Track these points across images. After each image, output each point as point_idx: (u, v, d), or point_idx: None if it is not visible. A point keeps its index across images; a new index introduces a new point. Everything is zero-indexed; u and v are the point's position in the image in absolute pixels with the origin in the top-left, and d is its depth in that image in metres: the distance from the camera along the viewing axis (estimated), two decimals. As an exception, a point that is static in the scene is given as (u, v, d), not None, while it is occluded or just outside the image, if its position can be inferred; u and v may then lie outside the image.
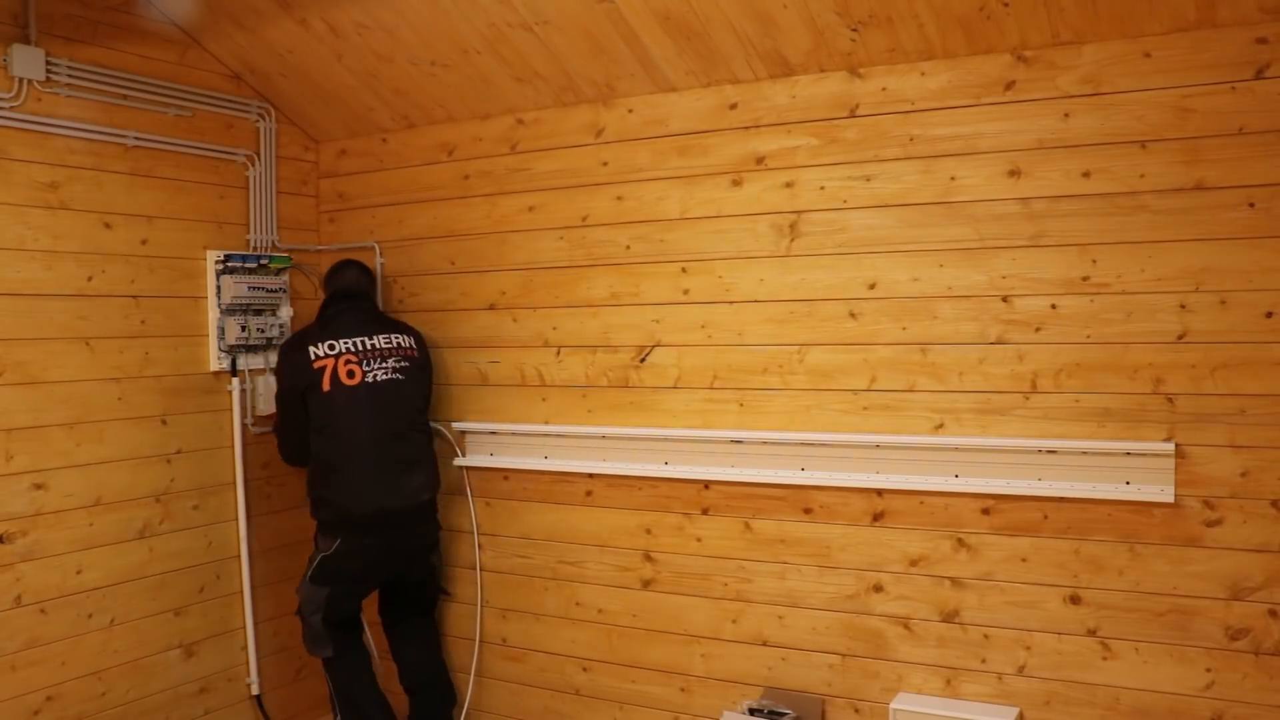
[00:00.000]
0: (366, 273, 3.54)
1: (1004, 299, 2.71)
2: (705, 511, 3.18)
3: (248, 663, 3.61)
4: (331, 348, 3.32)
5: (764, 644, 3.11)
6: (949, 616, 2.83)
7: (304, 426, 3.33)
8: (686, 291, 3.17)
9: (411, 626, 3.56)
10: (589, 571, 3.40)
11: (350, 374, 3.30)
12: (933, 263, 2.80)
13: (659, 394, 3.23)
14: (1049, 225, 2.65)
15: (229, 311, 3.53)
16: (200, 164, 3.48)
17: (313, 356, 3.30)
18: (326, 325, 3.39)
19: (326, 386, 3.28)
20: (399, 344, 3.41)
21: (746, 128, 3.04)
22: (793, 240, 2.99)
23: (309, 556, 3.38)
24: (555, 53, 3.10)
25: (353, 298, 3.46)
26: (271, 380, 3.65)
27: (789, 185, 2.98)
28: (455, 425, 3.60)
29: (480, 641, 3.62)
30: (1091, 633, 2.65)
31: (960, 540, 2.80)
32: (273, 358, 3.68)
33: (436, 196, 3.64)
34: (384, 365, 3.35)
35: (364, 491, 3.23)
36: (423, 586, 3.56)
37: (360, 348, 3.34)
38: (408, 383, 3.38)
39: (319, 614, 3.31)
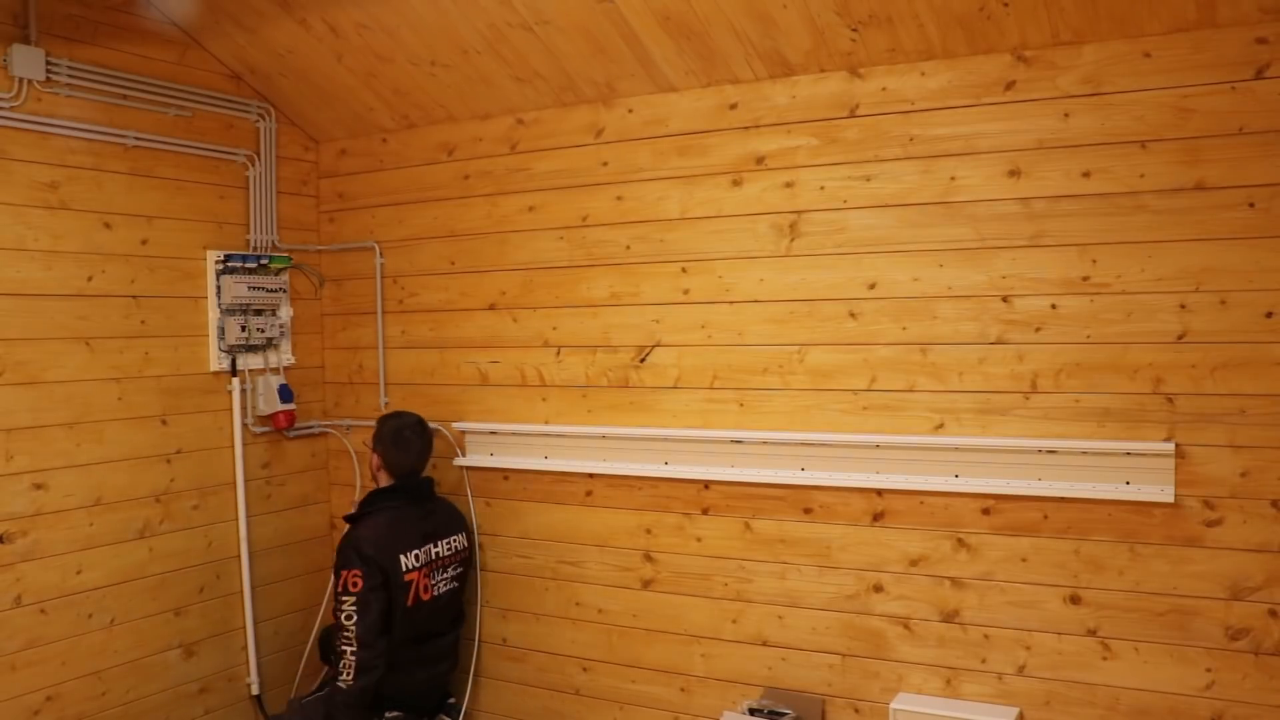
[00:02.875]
0: (429, 436, 3.43)
1: (1004, 299, 2.71)
2: (705, 511, 3.18)
3: (248, 663, 3.61)
4: (418, 559, 3.23)
5: (764, 644, 3.11)
6: (949, 616, 2.83)
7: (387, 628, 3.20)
8: (686, 291, 3.17)
9: None
10: (589, 571, 3.40)
11: (426, 589, 3.25)
12: (933, 263, 2.79)
13: (659, 394, 3.23)
14: (1049, 225, 2.65)
15: (229, 311, 3.53)
16: (200, 164, 3.48)
17: (404, 567, 3.19)
18: (406, 522, 3.26)
19: (411, 603, 3.20)
20: (457, 548, 3.39)
21: (746, 128, 3.04)
22: (793, 240, 2.99)
23: (321, 685, 3.45)
24: (555, 53, 3.10)
25: (422, 486, 3.39)
26: (272, 379, 3.65)
27: (789, 185, 2.98)
28: (455, 425, 3.60)
29: (480, 641, 3.62)
30: (1091, 633, 2.65)
31: (960, 540, 2.80)
32: (273, 358, 3.68)
33: (436, 196, 3.64)
34: (445, 575, 3.34)
35: (411, 686, 3.28)
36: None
37: (431, 558, 3.29)
38: (460, 588, 3.42)
39: None
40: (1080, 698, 2.68)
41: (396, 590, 3.17)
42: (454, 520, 3.45)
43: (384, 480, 3.38)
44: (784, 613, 3.07)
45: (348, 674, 3.09)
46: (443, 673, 3.43)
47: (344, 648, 3.11)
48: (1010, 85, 2.67)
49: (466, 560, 3.45)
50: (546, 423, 3.44)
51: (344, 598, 3.13)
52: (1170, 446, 2.52)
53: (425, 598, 3.25)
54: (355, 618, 3.10)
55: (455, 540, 3.40)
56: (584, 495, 3.39)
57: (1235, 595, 2.49)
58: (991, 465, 2.73)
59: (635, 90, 3.18)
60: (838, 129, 2.90)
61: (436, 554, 3.31)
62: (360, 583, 3.11)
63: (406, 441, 3.35)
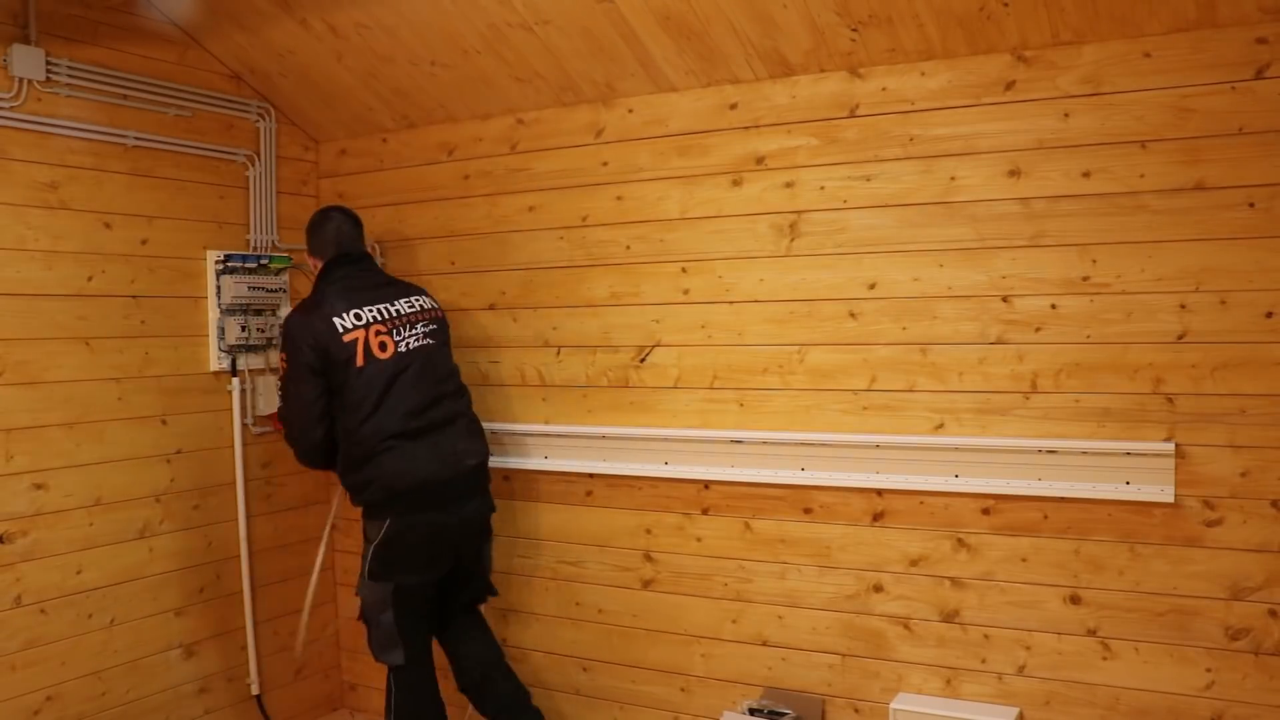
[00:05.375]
0: (354, 220, 3.29)
1: (1004, 299, 2.71)
2: (705, 511, 3.18)
3: (248, 663, 3.61)
4: (358, 318, 3.04)
5: (764, 644, 3.11)
6: (949, 616, 2.83)
7: (327, 410, 3.06)
8: (686, 291, 3.17)
9: (461, 625, 3.26)
10: (589, 571, 3.40)
11: (383, 346, 3.03)
12: (933, 263, 2.79)
13: (659, 394, 3.23)
14: (1049, 225, 2.65)
15: (229, 311, 3.53)
16: (200, 164, 3.48)
17: (340, 329, 3.01)
18: (341, 294, 3.09)
19: (360, 362, 2.99)
20: (421, 306, 3.19)
21: (746, 128, 3.04)
22: (793, 240, 2.99)
23: (361, 555, 3.10)
24: (555, 53, 3.10)
25: (356, 260, 3.21)
26: (272, 378, 3.65)
27: (789, 185, 2.98)
28: (455, 425, 3.60)
29: (480, 641, 3.62)
30: (1091, 633, 2.65)
31: (960, 540, 2.80)
32: (273, 357, 3.68)
33: (436, 196, 3.64)
34: (414, 332, 3.11)
35: (408, 465, 2.97)
36: (473, 582, 3.26)
37: (387, 315, 3.09)
38: (437, 347, 3.16)
39: (388, 611, 3.02)
40: (1080, 698, 2.67)
41: (336, 356, 2.99)
42: (412, 287, 3.28)
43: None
44: (784, 613, 3.07)
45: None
46: (467, 467, 3.08)
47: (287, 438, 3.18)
48: (1010, 85, 2.67)
49: (443, 323, 3.23)
50: (546, 423, 3.44)
51: (277, 385, 3.17)
52: (1170, 446, 2.52)
53: (383, 355, 3.03)
54: (282, 401, 3.14)
55: (418, 299, 3.21)
56: (584, 495, 3.39)
57: (1235, 595, 2.49)
58: (991, 465, 2.73)
59: (635, 90, 3.18)
60: (838, 129, 2.90)
61: (394, 311, 3.11)
62: (284, 365, 3.07)
63: (323, 218, 3.25)
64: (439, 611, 3.22)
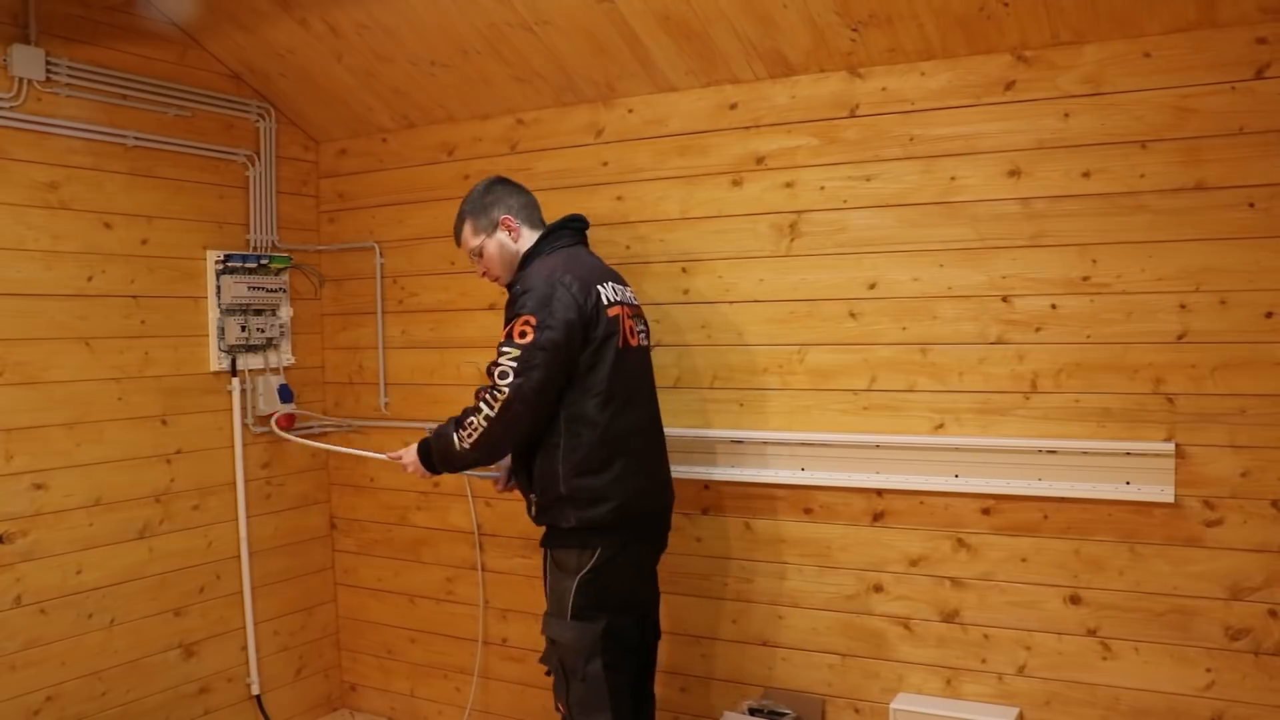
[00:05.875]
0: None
1: (1004, 299, 2.71)
2: (705, 511, 3.18)
3: (248, 663, 3.61)
4: (616, 293, 2.55)
5: (764, 644, 3.11)
6: (949, 616, 2.83)
7: (556, 395, 2.46)
8: (686, 291, 3.17)
9: (644, 694, 2.74)
10: (589, 571, 3.40)
11: (632, 332, 2.56)
12: (933, 263, 2.79)
13: (659, 394, 3.22)
14: (1049, 225, 2.65)
15: (229, 311, 3.53)
16: (200, 164, 3.48)
17: (605, 300, 2.49)
18: (577, 265, 2.54)
19: (621, 344, 2.49)
20: (635, 301, 2.72)
21: (746, 128, 3.04)
22: (793, 240, 2.99)
23: (556, 591, 2.55)
24: (555, 53, 3.10)
25: (579, 234, 2.72)
26: (272, 379, 3.65)
27: (789, 185, 2.98)
28: (455, 425, 3.60)
29: (481, 642, 3.62)
30: (1091, 633, 2.65)
31: (960, 540, 2.80)
32: (273, 358, 3.68)
33: (436, 196, 3.64)
34: (641, 328, 2.65)
35: (647, 482, 2.56)
36: (654, 623, 2.81)
37: (627, 299, 2.60)
38: (649, 349, 2.75)
39: (597, 660, 2.48)
40: (1080, 698, 2.67)
41: (599, 332, 2.45)
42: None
43: (528, 240, 2.69)
44: (784, 613, 3.07)
45: (468, 436, 2.44)
46: (672, 496, 2.70)
47: (480, 405, 2.41)
48: (1010, 85, 2.67)
49: (645, 320, 2.76)
50: (546, 423, 3.44)
51: (504, 350, 2.40)
52: (1170, 446, 2.52)
53: (634, 343, 2.55)
54: (510, 376, 2.37)
55: (631, 291, 2.71)
56: (584, 495, 3.38)
57: (1235, 595, 2.49)
58: (991, 465, 2.73)
59: (635, 90, 3.18)
60: (838, 129, 2.90)
61: (630, 298, 2.65)
62: (531, 332, 2.38)
63: (503, 184, 2.74)
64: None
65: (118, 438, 3.22)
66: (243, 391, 3.59)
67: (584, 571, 2.49)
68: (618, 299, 2.56)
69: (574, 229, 2.73)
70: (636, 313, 2.68)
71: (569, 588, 2.49)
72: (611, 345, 2.48)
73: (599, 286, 2.52)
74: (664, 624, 3.25)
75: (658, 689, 3.28)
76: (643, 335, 2.68)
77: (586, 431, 2.46)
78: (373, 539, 3.86)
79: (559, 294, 2.43)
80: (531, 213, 2.74)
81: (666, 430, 3.16)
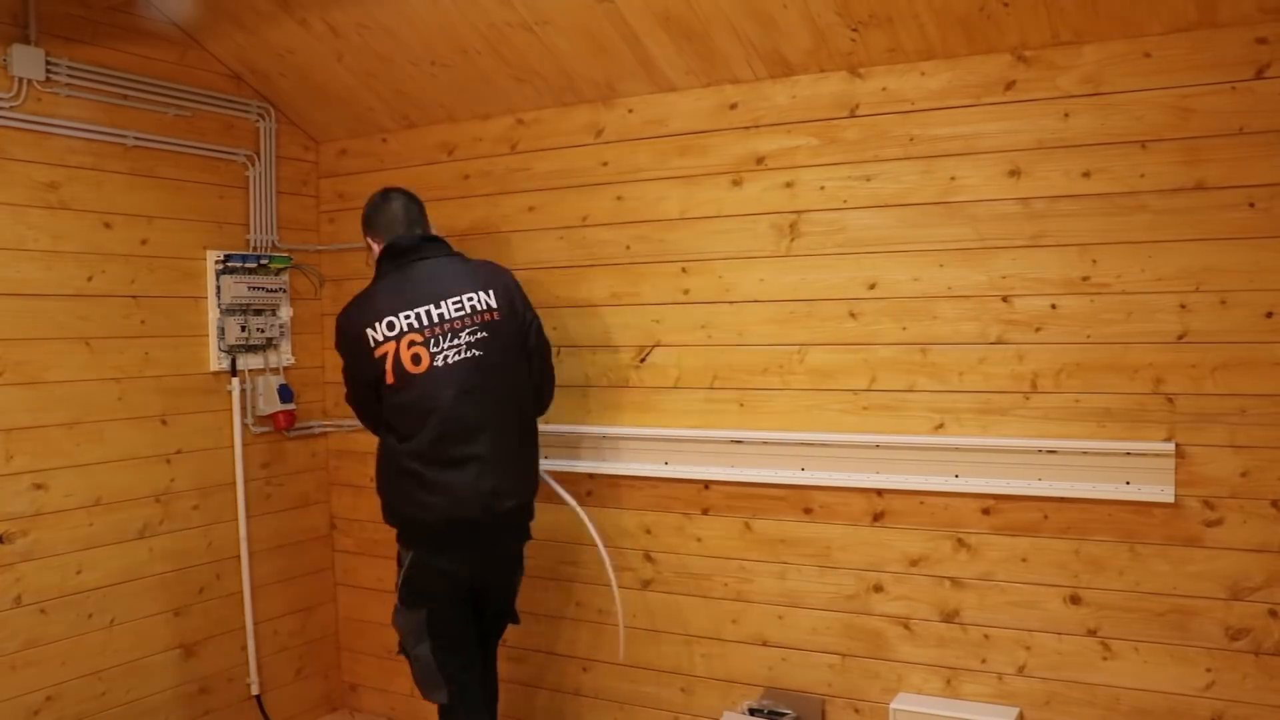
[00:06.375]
0: (416, 202, 2.96)
1: (1004, 299, 2.71)
2: (705, 511, 3.18)
3: (248, 663, 3.61)
4: (391, 327, 2.71)
5: (764, 644, 3.11)
6: (949, 616, 2.83)
7: (377, 409, 2.82)
8: (686, 291, 3.17)
9: (487, 675, 3.01)
10: (589, 571, 3.40)
11: (416, 359, 2.69)
12: (933, 263, 2.79)
13: (659, 394, 3.23)
14: (1049, 225, 2.65)
15: (229, 311, 3.53)
16: (200, 164, 3.48)
17: (372, 343, 2.72)
18: (386, 293, 2.78)
19: (391, 379, 2.70)
20: (473, 307, 2.76)
21: (746, 128, 3.04)
22: (793, 240, 2.99)
23: (398, 581, 2.87)
24: (555, 53, 3.10)
25: (405, 251, 2.83)
26: (272, 379, 3.65)
27: (789, 185, 2.98)
28: (455, 425, 3.60)
29: (480, 641, 3.62)
30: (1091, 633, 2.65)
31: (960, 540, 2.80)
32: (273, 358, 3.68)
33: (436, 196, 3.63)
34: (455, 343, 2.72)
35: (435, 499, 2.70)
36: (501, 613, 3.04)
37: (425, 322, 2.71)
38: (488, 357, 2.75)
39: (424, 644, 2.77)
40: (1080, 698, 2.67)
41: (367, 374, 2.76)
42: (471, 276, 2.83)
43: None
44: (784, 613, 3.07)
45: None
46: (504, 509, 2.73)
47: None
48: (1010, 85, 2.67)
49: (502, 326, 2.80)
50: (547, 423, 3.44)
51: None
52: (1170, 446, 2.52)
53: (416, 369, 2.69)
54: (346, 393, 2.95)
55: (470, 299, 2.76)
56: (584, 495, 3.39)
57: (1235, 595, 2.49)
58: (991, 465, 2.73)
59: (635, 90, 3.18)
60: (838, 129, 2.90)
61: (436, 316, 2.73)
62: (342, 363, 2.88)
63: (381, 202, 2.94)
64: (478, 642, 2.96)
65: (118, 438, 3.22)
66: (243, 391, 3.59)
67: (406, 569, 2.79)
68: (402, 328, 2.72)
69: (394, 256, 2.86)
70: (436, 330, 2.74)
71: (399, 580, 2.82)
72: (384, 382, 2.73)
73: (369, 329, 2.75)
74: (663, 624, 3.26)
75: (658, 688, 3.28)
76: (450, 354, 2.73)
77: (389, 449, 2.77)
78: (373, 539, 3.86)
79: (342, 339, 2.86)
80: (378, 235, 2.94)
81: (669, 430, 3.16)
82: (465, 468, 2.70)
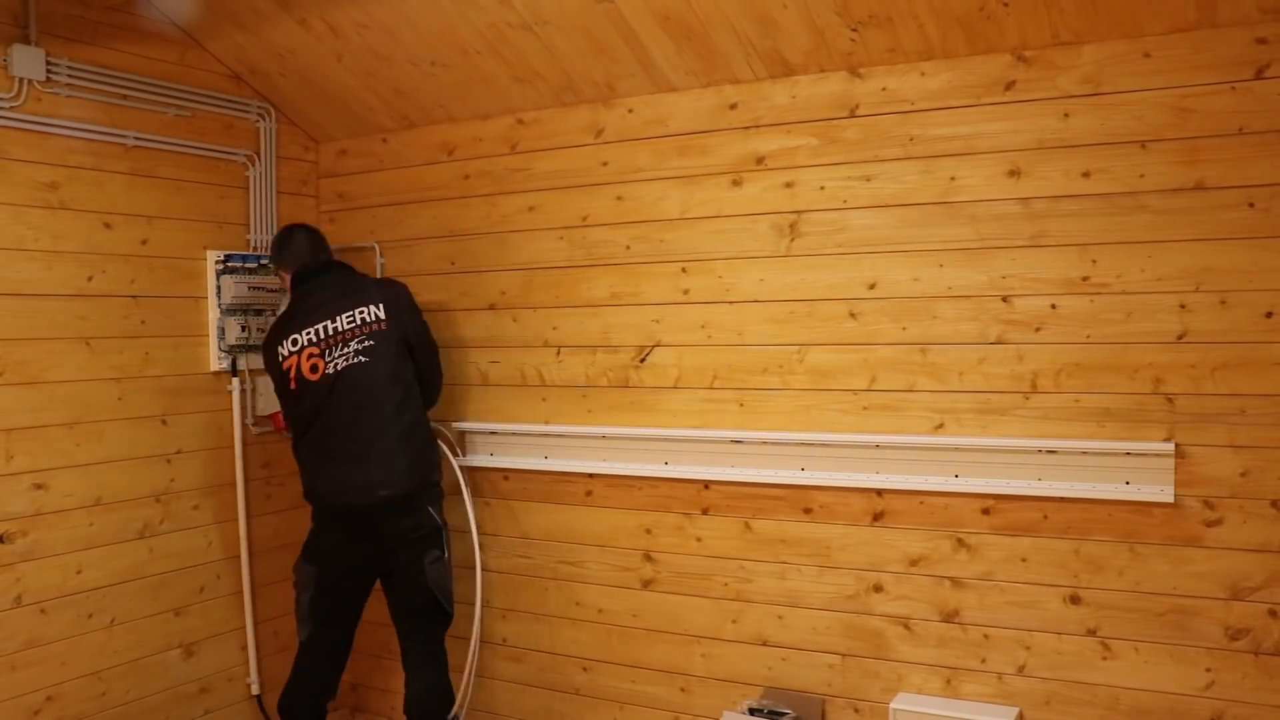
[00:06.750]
0: (316, 235, 3.34)
1: (1004, 299, 2.71)
2: (705, 511, 3.18)
3: (248, 663, 3.62)
4: (294, 343, 3.14)
5: (764, 644, 3.11)
6: (949, 616, 2.83)
7: (291, 413, 3.26)
8: (686, 291, 3.17)
9: (410, 649, 3.26)
10: (589, 571, 3.40)
11: (313, 368, 3.11)
12: (933, 263, 2.79)
13: (659, 394, 3.23)
14: (1049, 225, 2.65)
15: (229, 311, 3.53)
16: (200, 164, 3.48)
17: (280, 357, 3.16)
18: (294, 314, 3.20)
19: (294, 386, 3.14)
20: (363, 319, 3.15)
21: (746, 128, 3.04)
22: (793, 240, 2.99)
23: None
24: (555, 53, 3.10)
25: (311, 275, 3.23)
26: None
27: (789, 185, 2.98)
28: (455, 425, 3.60)
29: (480, 641, 3.62)
30: (1091, 633, 2.65)
31: (960, 540, 2.80)
32: (272, 358, 3.71)
33: (436, 196, 3.64)
34: (345, 351, 3.11)
35: (324, 487, 3.14)
36: (415, 590, 3.21)
37: (321, 336, 3.12)
38: (374, 363, 3.12)
39: (307, 592, 3.20)
40: (1080, 698, 2.68)
41: (279, 384, 3.18)
42: (364, 292, 3.22)
43: None
44: (784, 613, 3.07)
45: None
46: (380, 498, 3.10)
47: None
48: (1010, 85, 2.67)
49: (387, 335, 3.17)
50: (546, 423, 3.44)
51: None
52: (1170, 446, 2.52)
53: (313, 377, 3.10)
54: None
55: (361, 311, 3.16)
56: (584, 495, 3.39)
57: (1235, 595, 2.49)
58: (991, 465, 2.73)
59: (635, 90, 3.18)
60: (838, 129, 2.90)
61: (331, 330, 3.13)
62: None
63: (285, 239, 3.30)
64: (393, 615, 3.29)
65: (118, 438, 3.22)
66: (243, 391, 3.59)
67: (309, 534, 3.26)
68: (303, 343, 3.14)
69: (301, 281, 3.24)
70: (330, 342, 3.13)
71: (308, 535, 3.26)
72: (287, 387, 3.16)
73: (279, 346, 3.16)
74: (663, 623, 3.26)
75: (657, 688, 3.28)
76: (339, 361, 3.12)
77: (297, 443, 3.22)
78: (373, 539, 3.86)
79: (263, 357, 3.28)
80: (287, 265, 3.30)
81: (669, 430, 3.16)
82: (344, 461, 3.11)
